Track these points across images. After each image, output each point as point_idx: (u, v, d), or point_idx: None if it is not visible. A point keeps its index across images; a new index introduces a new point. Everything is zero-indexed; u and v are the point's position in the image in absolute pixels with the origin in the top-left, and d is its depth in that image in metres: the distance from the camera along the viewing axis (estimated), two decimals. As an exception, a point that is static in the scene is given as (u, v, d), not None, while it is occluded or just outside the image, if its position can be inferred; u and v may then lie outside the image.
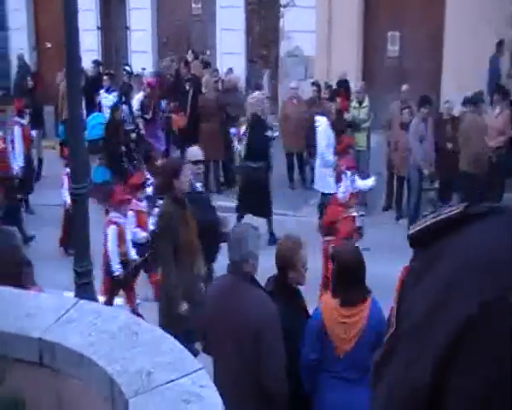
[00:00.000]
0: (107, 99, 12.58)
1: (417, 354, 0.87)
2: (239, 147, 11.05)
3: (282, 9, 12.45)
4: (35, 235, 9.05)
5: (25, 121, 10.67)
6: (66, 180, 8.12)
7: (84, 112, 11.68)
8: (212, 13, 15.79)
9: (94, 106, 12.72)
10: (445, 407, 0.85)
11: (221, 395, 2.28)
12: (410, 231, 0.96)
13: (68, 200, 7.93)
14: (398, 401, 0.90)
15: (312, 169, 11.41)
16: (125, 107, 11.59)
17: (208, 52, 15.06)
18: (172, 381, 2.30)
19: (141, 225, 7.16)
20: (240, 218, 9.39)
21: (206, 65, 13.27)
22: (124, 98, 11.99)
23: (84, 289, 4.77)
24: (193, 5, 16.37)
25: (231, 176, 11.69)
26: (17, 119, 10.58)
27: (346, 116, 10.69)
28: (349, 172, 7.54)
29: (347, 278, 3.94)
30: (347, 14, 13.68)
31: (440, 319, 0.85)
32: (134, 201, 7.13)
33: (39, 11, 18.23)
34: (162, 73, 13.29)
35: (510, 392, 0.79)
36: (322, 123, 9.49)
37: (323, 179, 9.19)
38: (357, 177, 7.98)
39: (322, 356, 3.98)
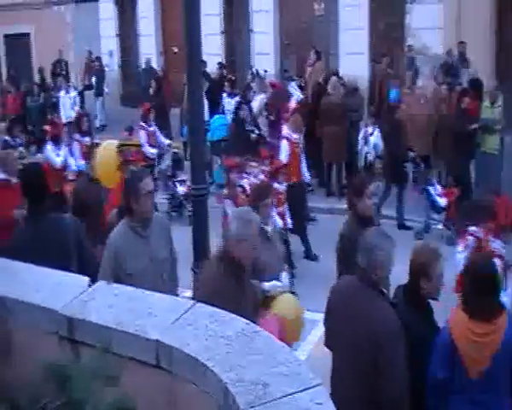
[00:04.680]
0: (229, 104, 12.81)
1: None
2: (366, 148, 10.84)
3: (407, 6, 12.00)
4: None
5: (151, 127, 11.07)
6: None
7: (207, 114, 11.96)
8: (335, 13, 15.60)
9: (217, 108, 12.95)
10: None
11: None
12: None
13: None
14: None
15: (439, 173, 10.91)
16: (246, 107, 11.71)
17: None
18: (289, 395, 2.16)
19: None
20: None
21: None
22: (245, 99, 12.12)
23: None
24: (315, 6, 16.26)
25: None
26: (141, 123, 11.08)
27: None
28: None
29: (481, 289, 3.62)
30: (478, 8, 12.96)
31: None
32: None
33: (166, 17, 18.89)
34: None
35: None
36: None
37: None
38: None
39: (453, 376, 3.66)
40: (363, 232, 4.02)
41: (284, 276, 4.94)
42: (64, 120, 15.48)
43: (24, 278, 3.18)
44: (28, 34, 22.04)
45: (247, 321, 2.64)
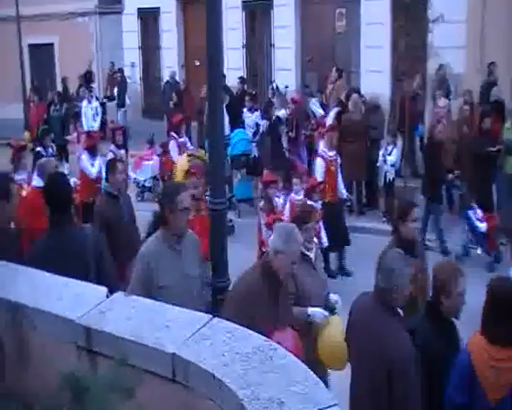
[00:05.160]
0: (249, 118, 12.88)
1: None
2: (385, 167, 10.75)
3: (430, 25, 11.96)
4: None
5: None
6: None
7: (228, 128, 12.01)
8: (356, 30, 15.63)
9: (238, 122, 13.01)
10: None
11: None
12: None
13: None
14: None
15: (461, 195, 10.82)
16: (265, 122, 11.75)
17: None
18: (305, 414, 2.15)
19: None
20: None
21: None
22: (265, 114, 12.18)
23: (220, 306, 4.73)
24: (337, 23, 16.30)
25: (375, 197, 11.43)
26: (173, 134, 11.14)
27: None
28: None
29: (500, 314, 3.57)
30: (502, 27, 12.91)
31: None
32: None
33: (188, 31, 19.06)
34: None
35: None
36: None
37: None
38: None
39: (471, 401, 3.60)
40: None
41: (335, 297, 4.86)
42: (85, 130, 15.69)
43: (44, 287, 3.20)
44: (52, 44, 22.35)
45: (265, 338, 2.63)
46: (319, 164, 8.80)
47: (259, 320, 3.40)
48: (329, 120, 11.11)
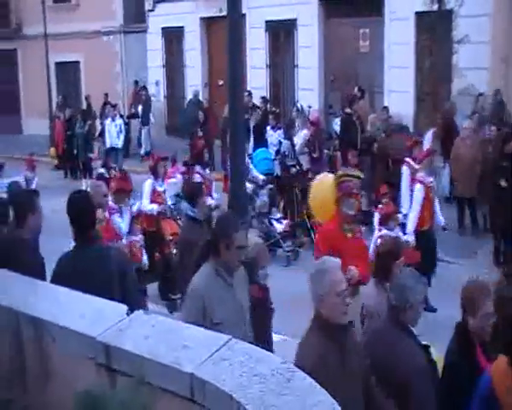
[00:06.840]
0: (272, 136, 12.93)
1: None
2: None
3: (455, 45, 11.92)
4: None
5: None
6: None
7: (252, 146, 12.06)
8: (380, 50, 15.64)
9: (262, 140, 13.08)
10: None
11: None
12: None
13: None
14: None
15: (485, 216, 10.64)
16: (286, 142, 11.76)
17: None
18: (322, 439, 2.13)
19: None
20: None
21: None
22: (287, 134, 12.20)
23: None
24: (361, 43, 16.33)
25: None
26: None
27: None
28: None
29: None
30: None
31: None
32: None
33: (212, 50, 19.22)
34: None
35: None
36: None
37: None
38: None
39: None
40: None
41: None
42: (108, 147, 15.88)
43: (65, 304, 3.23)
44: (78, 62, 22.71)
45: (283, 360, 2.61)
46: (419, 191, 8.21)
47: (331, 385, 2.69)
48: (426, 144, 10.49)
